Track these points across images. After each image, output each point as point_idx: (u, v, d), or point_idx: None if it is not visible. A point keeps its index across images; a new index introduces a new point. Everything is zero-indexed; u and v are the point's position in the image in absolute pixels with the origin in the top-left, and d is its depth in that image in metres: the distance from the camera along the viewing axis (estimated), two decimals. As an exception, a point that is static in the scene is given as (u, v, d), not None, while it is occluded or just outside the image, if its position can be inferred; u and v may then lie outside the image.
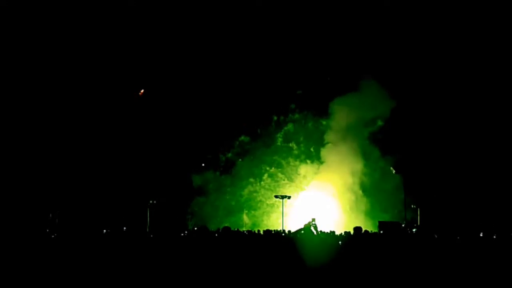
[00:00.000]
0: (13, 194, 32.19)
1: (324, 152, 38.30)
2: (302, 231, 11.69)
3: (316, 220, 11.61)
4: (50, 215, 29.17)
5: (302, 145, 40.41)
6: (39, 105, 34.68)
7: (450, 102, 35.20)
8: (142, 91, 39.49)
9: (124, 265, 12.00)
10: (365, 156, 37.74)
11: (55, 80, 35.25)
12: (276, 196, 34.32)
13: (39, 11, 33.23)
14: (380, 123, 38.01)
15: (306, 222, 11.51)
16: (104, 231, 24.41)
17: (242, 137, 40.81)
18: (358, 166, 37.12)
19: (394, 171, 33.78)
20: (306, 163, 39.53)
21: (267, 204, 38.95)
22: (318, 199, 36.84)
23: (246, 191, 39.92)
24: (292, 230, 16.92)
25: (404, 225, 29.37)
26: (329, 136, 38.51)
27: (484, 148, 34.03)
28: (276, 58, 38.13)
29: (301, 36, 37.90)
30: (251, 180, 40.03)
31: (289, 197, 33.78)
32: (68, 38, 35.20)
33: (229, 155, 41.07)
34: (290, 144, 40.53)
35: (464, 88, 34.75)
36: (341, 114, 37.62)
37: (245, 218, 38.90)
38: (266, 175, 39.98)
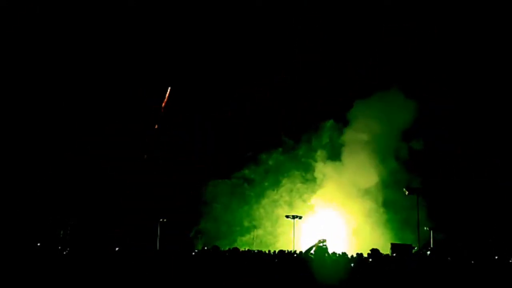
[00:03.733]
0: (25, 211, 32.51)
1: (344, 160, 37.32)
2: (313, 251, 11.51)
3: (326, 241, 11.45)
4: (61, 231, 29.32)
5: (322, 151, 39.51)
6: (39, 111, 35.23)
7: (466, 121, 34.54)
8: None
9: (134, 283, 11.92)
10: (388, 168, 36.42)
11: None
12: (287, 216, 33.82)
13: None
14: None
15: (316, 241, 11.36)
16: (116, 248, 24.39)
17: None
18: (378, 178, 36.04)
19: (407, 193, 33.12)
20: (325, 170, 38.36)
21: (282, 223, 38.00)
22: (334, 213, 36.47)
23: (261, 208, 39.40)
24: (303, 250, 16.69)
25: (418, 248, 28.72)
26: (349, 144, 37.52)
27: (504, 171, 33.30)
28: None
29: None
30: (268, 194, 39.46)
31: (300, 217, 33.35)
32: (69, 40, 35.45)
33: (246, 172, 40.55)
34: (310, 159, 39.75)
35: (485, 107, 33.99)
36: (362, 121, 36.77)
37: (258, 236, 38.42)
38: (282, 190, 39.30)
